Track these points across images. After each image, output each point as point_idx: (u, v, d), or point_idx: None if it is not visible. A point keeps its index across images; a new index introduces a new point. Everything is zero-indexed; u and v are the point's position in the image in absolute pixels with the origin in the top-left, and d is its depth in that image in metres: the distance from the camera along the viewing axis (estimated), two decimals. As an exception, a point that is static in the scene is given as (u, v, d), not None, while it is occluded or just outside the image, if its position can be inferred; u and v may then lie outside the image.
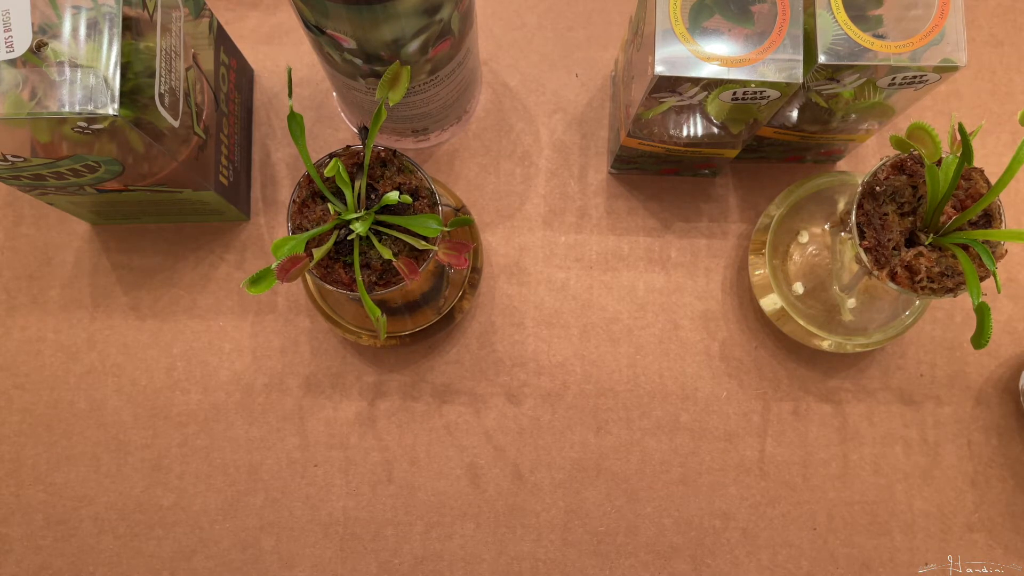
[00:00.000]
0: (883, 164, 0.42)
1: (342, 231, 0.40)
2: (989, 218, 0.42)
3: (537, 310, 0.55)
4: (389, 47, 0.40)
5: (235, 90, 0.54)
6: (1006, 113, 0.57)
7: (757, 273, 0.53)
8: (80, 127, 0.38)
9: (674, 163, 0.53)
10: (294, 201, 0.41)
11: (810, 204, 0.52)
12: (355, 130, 0.56)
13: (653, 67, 0.40)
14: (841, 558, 0.53)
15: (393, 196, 0.40)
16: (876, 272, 0.42)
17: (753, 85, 0.40)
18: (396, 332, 0.51)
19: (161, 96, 0.42)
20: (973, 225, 0.42)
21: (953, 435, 0.54)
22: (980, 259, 0.40)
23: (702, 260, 0.56)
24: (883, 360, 0.55)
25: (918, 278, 0.41)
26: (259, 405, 0.54)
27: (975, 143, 0.54)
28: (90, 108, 0.37)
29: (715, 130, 0.47)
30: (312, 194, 0.42)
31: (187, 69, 0.45)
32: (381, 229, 0.41)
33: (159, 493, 0.53)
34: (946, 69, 0.40)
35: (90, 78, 0.37)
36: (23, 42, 0.37)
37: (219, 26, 0.51)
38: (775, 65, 0.40)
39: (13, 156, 0.41)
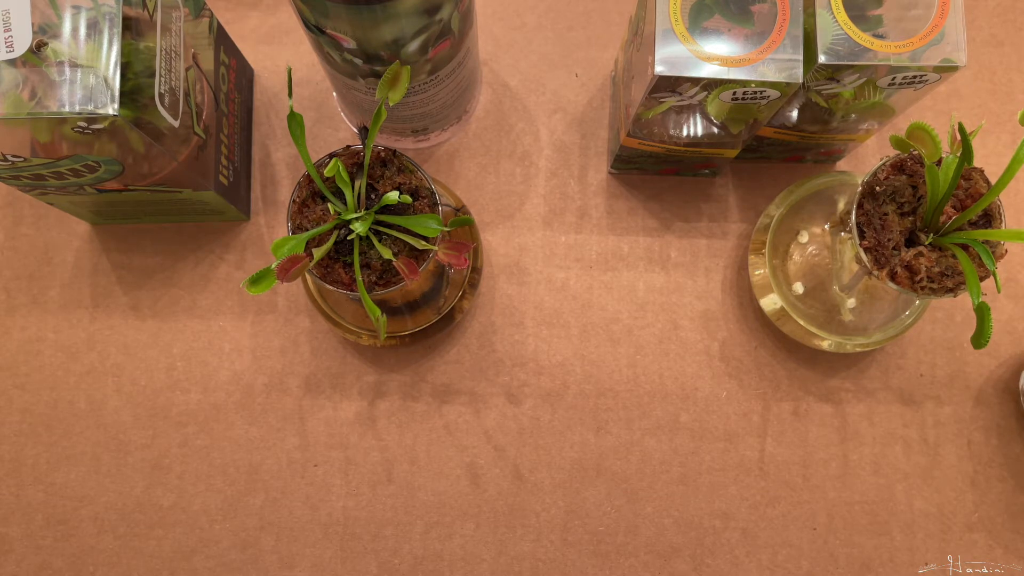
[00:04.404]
0: (883, 164, 0.42)
1: (342, 231, 0.40)
2: (989, 218, 0.42)
3: (537, 310, 0.55)
4: (389, 47, 0.40)
5: (235, 90, 0.54)
6: (1006, 113, 0.57)
7: (757, 273, 0.53)
8: (80, 127, 0.38)
9: (674, 163, 0.53)
10: (294, 201, 0.41)
11: (810, 204, 0.52)
12: (355, 130, 0.56)
13: (653, 67, 0.40)
14: (841, 558, 0.53)
15: (393, 196, 0.40)
16: (876, 272, 0.42)
17: (753, 85, 0.40)
18: (396, 332, 0.51)
19: (161, 96, 0.42)
20: (973, 225, 0.42)
21: (953, 435, 0.54)
22: (980, 259, 0.40)
23: (702, 260, 0.56)
24: (883, 360, 0.55)
25: (918, 278, 0.41)
26: (259, 405, 0.54)
27: (975, 143, 0.54)
28: (90, 108, 0.37)
29: (715, 130, 0.47)
30: (312, 194, 0.42)
31: (187, 69, 0.45)
32: (381, 229, 0.41)
33: (159, 493, 0.53)
34: (946, 69, 0.40)
35: (90, 78, 0.37)
36: (23, 42, 0.37)
37: (219, 26, 0.51)
38: (775, 65, 0.40)
39: (13, 156, 0.41)
